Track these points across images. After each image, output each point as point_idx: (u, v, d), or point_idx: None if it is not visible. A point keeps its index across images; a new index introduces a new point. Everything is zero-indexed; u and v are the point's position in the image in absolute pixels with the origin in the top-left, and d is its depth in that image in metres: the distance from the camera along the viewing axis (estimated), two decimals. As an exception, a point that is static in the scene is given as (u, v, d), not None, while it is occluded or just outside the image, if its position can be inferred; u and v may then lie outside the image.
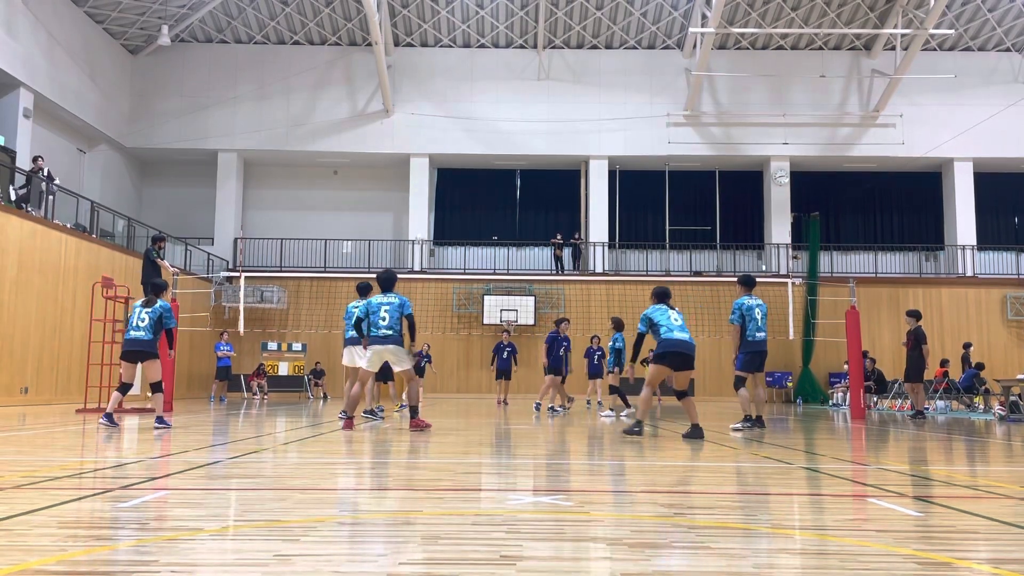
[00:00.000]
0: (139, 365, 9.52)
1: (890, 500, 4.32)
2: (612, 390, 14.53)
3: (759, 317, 10.35)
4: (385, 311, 9.43)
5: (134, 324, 9.47)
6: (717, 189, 27.53)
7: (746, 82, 26.42)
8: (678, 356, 8.74)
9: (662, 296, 9.11)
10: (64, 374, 17.03)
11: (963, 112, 25.95)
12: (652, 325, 8.90)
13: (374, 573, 2.60)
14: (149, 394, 9.75)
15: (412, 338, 9.53)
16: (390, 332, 9.38)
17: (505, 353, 18.03)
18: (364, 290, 11.32)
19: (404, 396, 11.51)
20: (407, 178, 26.60)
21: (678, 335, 8.75)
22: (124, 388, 9.51)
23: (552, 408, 15.17)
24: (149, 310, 9.45)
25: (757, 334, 10.31)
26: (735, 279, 11.39)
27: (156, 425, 9.12)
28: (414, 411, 9.62)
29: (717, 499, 4.44)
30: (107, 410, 9.42)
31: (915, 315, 15.00)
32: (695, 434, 8.53)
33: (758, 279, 11.41)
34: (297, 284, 25.16)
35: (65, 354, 17.05)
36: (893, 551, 2.98)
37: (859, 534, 3.34)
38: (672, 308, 9.02)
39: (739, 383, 10.41)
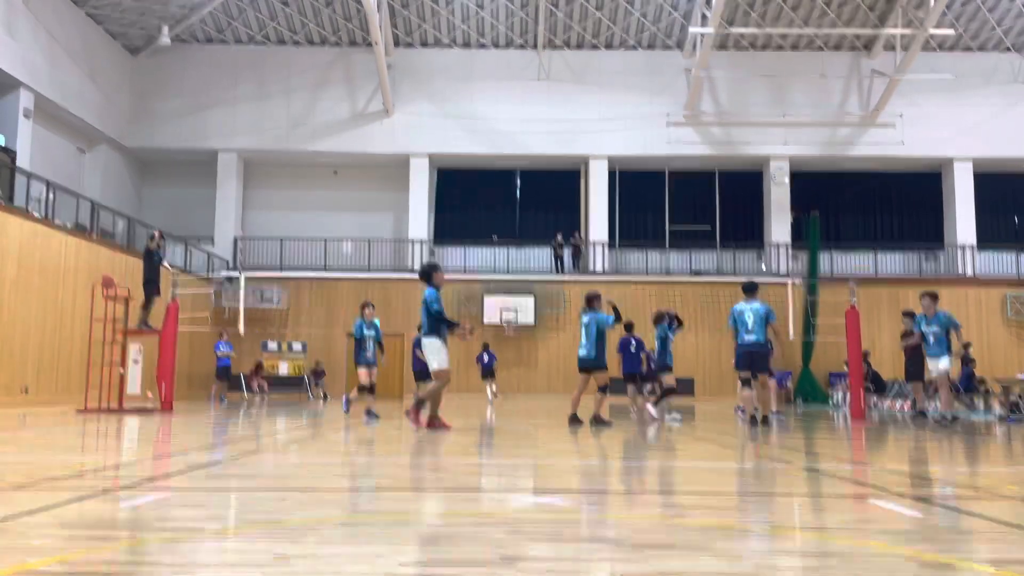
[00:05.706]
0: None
1: (890, 500, 4.32)
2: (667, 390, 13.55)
3: (749, 321, 10.82)
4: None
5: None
6: (717, 189, 27.52)
7: (746, 82, 26.40)
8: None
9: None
10: (64, 374, 17.02)
11: (963, 112, 25.93)
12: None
13: (374, 573, 2.60)
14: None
15: (449, 330, 9.71)
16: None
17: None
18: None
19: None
20: (407, 178, 26.58)
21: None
22: (371, 389, 12.45)
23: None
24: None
25: (746, 336, 10.86)
26: (735, 280, 11.90)
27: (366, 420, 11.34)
28: (429, 408, 9.79)
29: (717, 499, 4.44)
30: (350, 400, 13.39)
31: (912, 315, 14.96)
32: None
33: (758, 280, 11.73)
34: (297, 284, 25.16)
35: (65, 354, 17.04)
36: (893, 552, 2.98)
37: (859, 534, 3.34)
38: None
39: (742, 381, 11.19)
